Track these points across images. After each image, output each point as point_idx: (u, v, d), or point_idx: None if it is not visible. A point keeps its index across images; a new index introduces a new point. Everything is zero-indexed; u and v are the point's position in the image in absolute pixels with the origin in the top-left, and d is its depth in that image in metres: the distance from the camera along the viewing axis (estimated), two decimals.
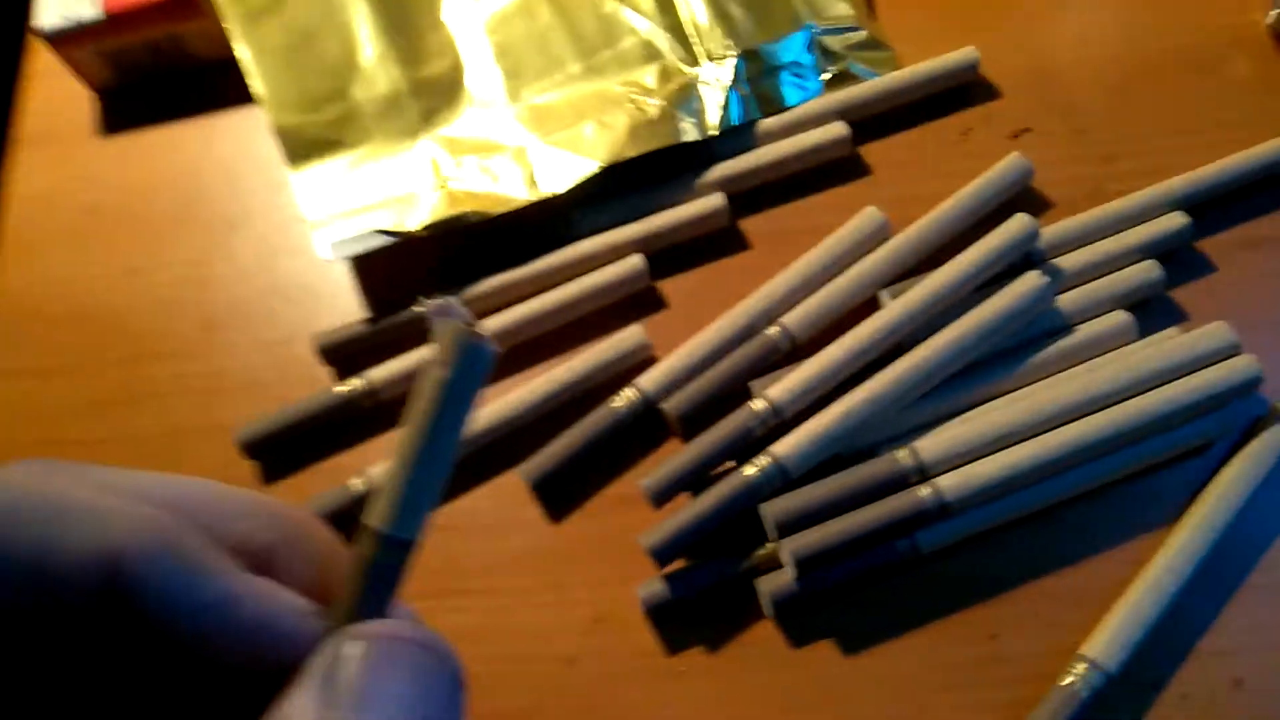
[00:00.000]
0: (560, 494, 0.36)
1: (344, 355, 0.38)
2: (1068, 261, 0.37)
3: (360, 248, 0.38)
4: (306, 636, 0.18)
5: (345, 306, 0.40)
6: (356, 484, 0.35)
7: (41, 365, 0.39)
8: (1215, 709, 0.32)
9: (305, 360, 0.39)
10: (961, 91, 0.42)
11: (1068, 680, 0.31)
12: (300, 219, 0.41)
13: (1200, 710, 0.32)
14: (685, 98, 0.41)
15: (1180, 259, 0.38)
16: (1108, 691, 0.31)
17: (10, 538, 0.16)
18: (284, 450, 0.37)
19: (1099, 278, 0.37)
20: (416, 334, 0.38)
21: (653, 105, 0.40)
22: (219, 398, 0.38)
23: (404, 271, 0.40)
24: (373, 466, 0.36)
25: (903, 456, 0.33)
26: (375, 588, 0.18)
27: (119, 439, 0.38)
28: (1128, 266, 0.37)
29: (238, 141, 0.44)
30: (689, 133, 0.40)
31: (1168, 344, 0.35)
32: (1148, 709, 0.32)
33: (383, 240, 0.38)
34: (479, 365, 0.17)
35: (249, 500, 0.19)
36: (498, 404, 0.36)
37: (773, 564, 0.34)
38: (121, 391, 0.39)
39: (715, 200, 0.39)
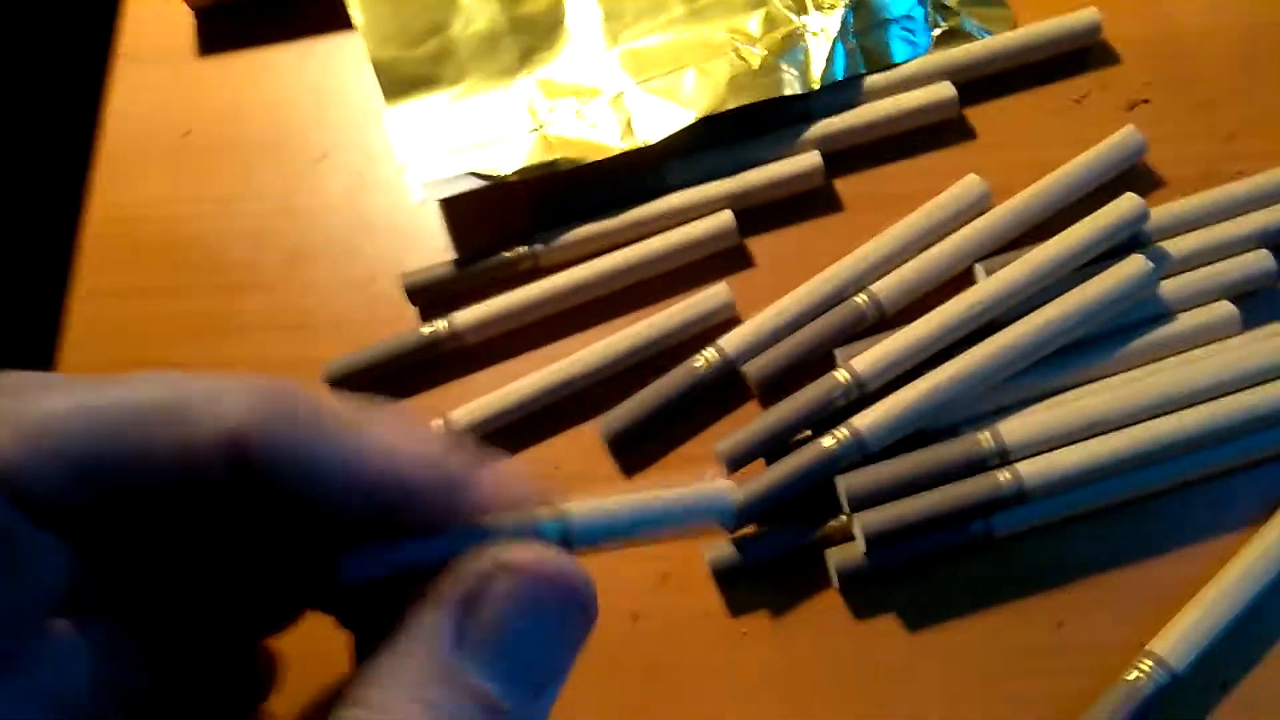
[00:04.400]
0: (635, 450, 0.36)
1: (430, 296, 0.39)
2: (1176, 246, 0.36)
3: (452, 190, 0.38)
4: (433, 485, 0.17)
5: (431, 245, 0.40)
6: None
7: (133, 286, 0.40)
8: None
9: (390, 299, 0.39)
10: (1079, 56, 0.41)
11: (1132, 675, 0.31)
12: (389, 153, 0.41)
13: (1267, 717, 0.31)
14: (789, 48, 0.39)
15: None
16: (1171, 690, 0.31)
17: (154, 433, 0.16)
18: (370, 388, 0.38)
19: (1207, 265, 0.36)
20: (504, 277, 0.38)
21: (755, 54, 0.39)
22: (305, 332, 0.39)
23: (494, 213, 0.39)
24: (455, 409, 0.36)
25: (984, 439, 0.33)
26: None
27: (210, 366, 0.39)
28: (1239, 254, 0.36)
29: (331, 69, 0.44)
30: (791, 85, 0.39)
31: (1272, 340, 0.34)
32: (1212, 710, 0.31)
33: (475, 183, 0.38)
34: None
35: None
36: (580, 355, 0.36)
37: (843, 535, 0.34)
38: (212, 320, 0.39)
39: (811, 158, 0.39)
